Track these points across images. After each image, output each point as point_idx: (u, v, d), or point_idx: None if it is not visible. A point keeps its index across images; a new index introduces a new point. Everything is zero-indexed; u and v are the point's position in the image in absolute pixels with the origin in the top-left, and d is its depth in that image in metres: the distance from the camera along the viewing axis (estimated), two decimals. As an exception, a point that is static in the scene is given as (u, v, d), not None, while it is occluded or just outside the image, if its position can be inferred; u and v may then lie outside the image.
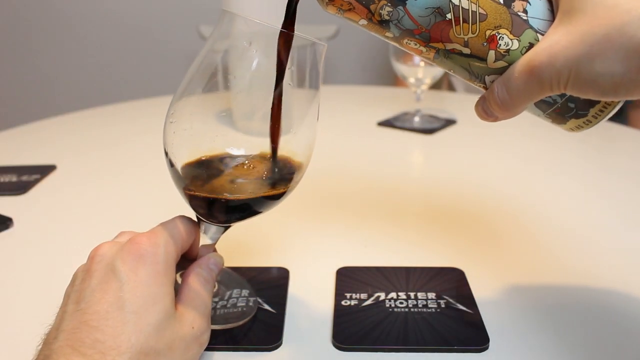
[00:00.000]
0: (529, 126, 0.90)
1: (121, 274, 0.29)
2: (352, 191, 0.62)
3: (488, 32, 0.30)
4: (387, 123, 0.89)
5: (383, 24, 0.31)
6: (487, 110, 0.32)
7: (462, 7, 0.30)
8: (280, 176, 0.35)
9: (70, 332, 0.28)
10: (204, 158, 0.34)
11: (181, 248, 0.34)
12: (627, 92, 0.26)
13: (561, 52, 0.27)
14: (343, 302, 0.40)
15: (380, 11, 0.30)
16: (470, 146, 0.80)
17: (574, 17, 0.27)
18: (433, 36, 0.31)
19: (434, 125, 0.87)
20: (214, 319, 0.37)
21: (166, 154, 0.34)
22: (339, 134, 0.86)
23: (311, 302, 0.41)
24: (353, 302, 0.40)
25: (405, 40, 0.31)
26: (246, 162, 0.35)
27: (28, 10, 1.97)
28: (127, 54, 2.00)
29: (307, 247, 0.49)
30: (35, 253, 0.49)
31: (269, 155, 0.35)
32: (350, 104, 1.07)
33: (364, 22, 0.31)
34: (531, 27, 0.30)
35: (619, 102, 0.31)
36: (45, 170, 0.69)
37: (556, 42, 0.27)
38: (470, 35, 0.30)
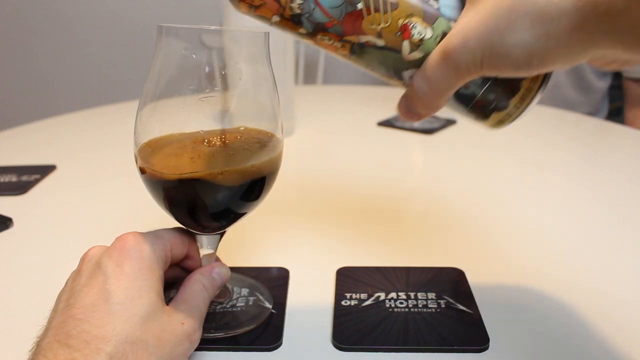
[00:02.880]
0: (530, 126, 0.91)
1: (107, 269, 0.30)
2: (352, 191, 0.62)
3: (400, 21, 0.30)
4: (387, 123, 0.89)
5: (295, 18, 0.30)
6: (409, 107, 0.31)
7: None
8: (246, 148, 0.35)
9: (58, 327, 0.28)
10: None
11: (170, 250, 0.34)
12: (540, 61, 0.25)
13: (472, 31, 0.26)
14: (343, 302, 0.40)
15: (291, 4, 0.29)
16: (470, 146, 0.80)
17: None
18: (346, 29, 0.30)
19: (434, 125, 0.87)
20: (218, 326, 0.37)
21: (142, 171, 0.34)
22: (339, 134, 0.86)
23: (311, 302, 0.41)
24: (353, 302, 0.40)
25: (319, 36, 0.31)
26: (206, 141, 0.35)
27: (28, 11, 1.97)
28: (127, 54, 2.00)
29: (307, 247, 0.49)
30: (35, 253, 0.49)
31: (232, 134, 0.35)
32: (350, 104, 1.07)
33: (276, 19, 0.30)
34: (443, 16, 0.30)
35: (537, 90, 0.31)
36: (45, 170, 0.69)
37: (467, 24, 0.27)
38: (382, 25, 0.30)
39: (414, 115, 0.31)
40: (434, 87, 0.29)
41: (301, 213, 0.56)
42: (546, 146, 0.78)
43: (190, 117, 0.34)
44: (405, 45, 0.30)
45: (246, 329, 0.37)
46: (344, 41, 0.31)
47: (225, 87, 0.33)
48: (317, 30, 0.30)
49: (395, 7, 0.30)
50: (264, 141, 0.35)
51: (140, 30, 1.98)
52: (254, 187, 0.34)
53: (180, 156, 0.33)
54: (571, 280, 0.43)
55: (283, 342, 0.36)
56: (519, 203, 0.58)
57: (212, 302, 0.39)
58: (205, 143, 0.34)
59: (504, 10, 0.25)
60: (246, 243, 0.49)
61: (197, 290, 0.34)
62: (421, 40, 0.30)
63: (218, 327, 0.36)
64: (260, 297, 0.40)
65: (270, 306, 0.39)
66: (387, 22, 0.30)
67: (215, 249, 0.38)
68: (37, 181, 0.66)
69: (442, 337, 0.36)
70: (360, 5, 0.29)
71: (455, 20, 0.30)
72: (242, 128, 0.36)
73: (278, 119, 0.36)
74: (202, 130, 0.35)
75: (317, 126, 0.89)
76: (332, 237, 0.51)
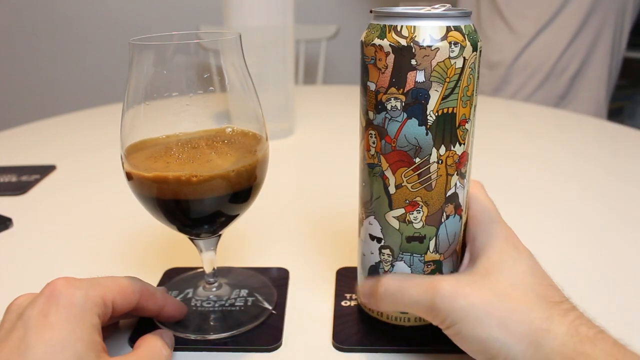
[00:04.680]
0: (529, 126, 0.91)
1: (29, 320, 0.27)
2: (351, 191, 0.62)
3: (418, 199, 0.31)
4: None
5: (379, 106, 0.31)
6: (373, 298, 0.33)
7: (430, 167, 0.31)
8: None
9: None
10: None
11: (111, 300, 0.31)
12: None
13: (469, 295, 0.29)
14: (343, 303, 0.40)
15: (387, 99, 0.30)
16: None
17: (490, 277, 0.30)
18: (390, 155, 0.31)
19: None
20: (219, 326, 0.37)
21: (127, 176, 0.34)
22: (339, 134, 0.86)
23: (311, 302, 0.41)
24: (353, 302, 0.39)
25: (373, 132, 0.31)
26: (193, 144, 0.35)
27: (28, 11, 1.97)
28: (127, 54, 2.00)
29: (307, 247, 0.49)
30: (35, 253, 0.49)
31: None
32: (350, 104, 1.07)
33: (371, 84, 0.31)
34: (436, 236, 0.32)
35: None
36: (45, 170, 0.69)
37: (467, 284, 0.29)
38: (408, 185, 0.31)
39: (371, 305, 0.34)
40: (399, 298, 0.31)
41: (301, 213, 0.56)
42: (546, 146, 0.78)
43: (173, 121, 0.35)
44: (399, 211, 0.32)
45: (244, 329, 0.36)
46: (378, 156, 0.31)
47: (204, 90, 0.34)
48: (378, 129, 0.31)
49: (429, 188, 0.31)
50: (248, 146, 0.35)
51: (140, 30, 1.97)
52: (237, 191, 0.34)
53: (157, 159, 0.33)
54: (571, 280, 0.43)
55: (283, 342, 0.36)
56: (518, 203, 0.58)
57: (213, 301, 0.39)
58: (186, 148, 0.34)
59: (496, 308, 0.28)
60: (246, 243, 0.49)
61: (155, 347, 0.32)
62: (410, 221, 0.32)
63: (217, 328, 0.36)
64: (259, 298, 0.40)
65: (270, 307, 0.39)
66: (413, 188, 0.31)
67: (214, 250, 0.37)
68: (37, 181, 0.66)
69: (442, 337, 0.36)
70: (417, 160, 0.30)
71: (441, 272, 0.33)
72: (229, 129, 0.36)
73: (261, 120, 0.36)
74: (183, 133, 0.35)
75: (317, 126, 0.89)
76: (332, 237, 0.51)
